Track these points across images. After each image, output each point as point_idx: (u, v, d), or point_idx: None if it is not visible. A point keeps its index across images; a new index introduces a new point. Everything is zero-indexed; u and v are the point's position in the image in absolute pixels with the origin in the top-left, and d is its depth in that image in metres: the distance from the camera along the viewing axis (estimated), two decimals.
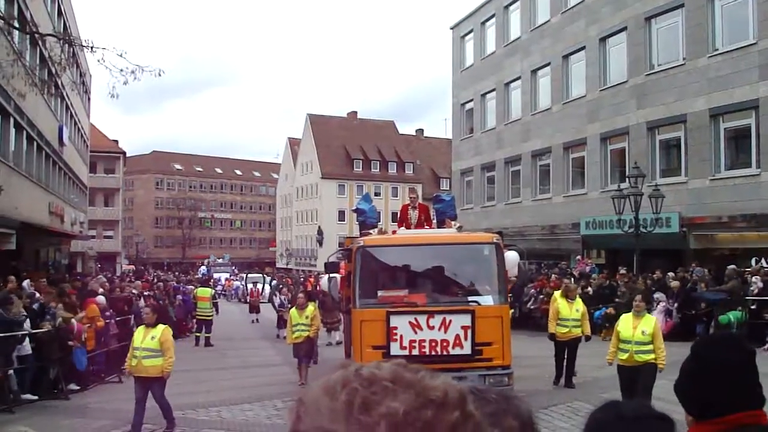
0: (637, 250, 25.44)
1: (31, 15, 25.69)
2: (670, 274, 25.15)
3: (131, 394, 15.95)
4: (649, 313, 22.16)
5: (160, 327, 12.50)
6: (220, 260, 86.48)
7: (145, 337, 12.16)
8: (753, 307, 21.13)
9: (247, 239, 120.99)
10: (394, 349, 12.04)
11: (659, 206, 24.25)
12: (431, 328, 12.03)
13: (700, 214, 26.93)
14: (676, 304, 23.06)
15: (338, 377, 0.98)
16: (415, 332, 12.07)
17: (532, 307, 26.56)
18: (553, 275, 28.71)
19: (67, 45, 23.03)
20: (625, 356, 11.60)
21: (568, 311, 15.51)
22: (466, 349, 11.99)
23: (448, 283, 13.75)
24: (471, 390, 1.02)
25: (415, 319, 12.09)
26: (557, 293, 16.63)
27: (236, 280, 62.03)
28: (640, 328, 11.60)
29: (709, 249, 28.05)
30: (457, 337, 12.01)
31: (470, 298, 12.86)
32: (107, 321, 18.82)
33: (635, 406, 2.33)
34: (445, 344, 12.00)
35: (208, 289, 27.93)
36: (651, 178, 27.40)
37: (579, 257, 32.62)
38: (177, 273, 58.77)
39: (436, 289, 13.36)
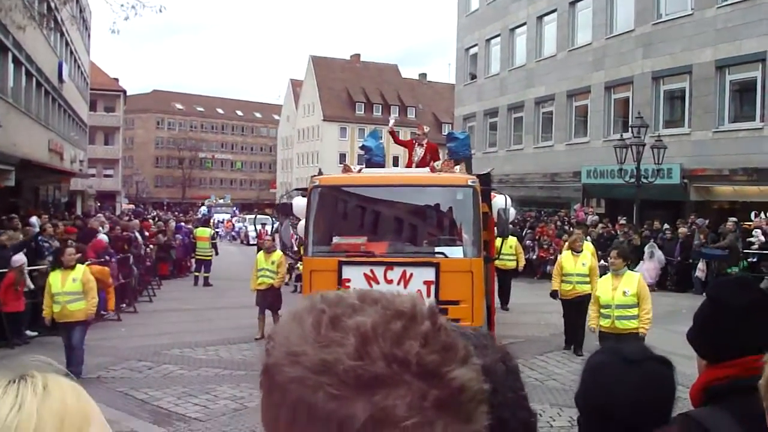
0: (637, 200, 25.40)
1: None
2: (666, 226, 25.25)
3: (131, 332, 16.23)
4: (637, 263, 22.48)
5: (80, 267, 11.78)
6: (221, 201, 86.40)
7: (65, 281, 11.52)
8: (753, 260, 21.30)
9: (248, 180, 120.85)
10: None
11: (661, 157, 24.13)
12: (389, 281, 10.55)
13: (702, 166, 26.85)
14: (678, 257, 23.33)
15: (304, 305, 0.97)
16: (371, 286, 10.10)
17: (532, 256, 26.57)
18: (552, 226, 28.67)
19: None
20: (606, 323, 10.29)
21: (572, 265, 13.85)
22: None
23: (414, 230, 12.28)
24: None
25: (371, 271, 10.67)
26: (566, 245, 15.56)
27: (238, 221, 61.99)
28: (621, 288, 10.15)
29: (709, 201, 28.05)
30: (419, 293, 10.06)
31: (437, 249, 11.21)
32: (109, 260, 18.87)
33: (636, 349, 2.36)
34: None
35: (207, 229, 28.04)
36: (654, 129, 27.28)
37: (577, 205, 32.61)
38: (177, 213, 58.83)
39: (399, 238, 11.95)
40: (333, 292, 0.98)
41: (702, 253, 22.46)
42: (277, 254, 15.83)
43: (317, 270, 11.11)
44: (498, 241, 14.18)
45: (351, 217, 12.71)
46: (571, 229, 21.69)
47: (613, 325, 10.13)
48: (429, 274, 10.59)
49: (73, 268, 11.61)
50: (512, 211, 18.88)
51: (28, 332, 14.75)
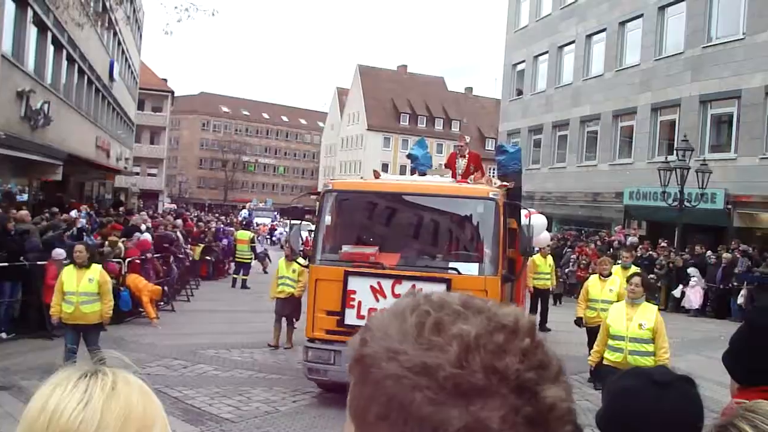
0: (679, 224, 25.13)
1: None
2: (709, 252, 24.96)
3: (166, 329, 16.37)
4: (677, 286, 22.18)
5: (96, 267, 11.07)
6: (263, 204, 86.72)
7: (80, 280, 10.75)
8: None
9: (290, 186, 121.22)
10: (349, 317, 10.08)
11: (705, 181, 23.88)
12: (397, 296, 8.75)
13: (747, 192, 26.44)
14: (721, 283, 23.02)
15: (407, 302, 0.99)
16: (377, 299, 9.92)
17: (569, 271, 26.34)
18: (592, 245, 28.43)
19: None
20: (617, 357, 9.28)
21: (599, 291, 12.88)
22: None
23: (430, 243, 11.66)
24: None
25: (378, 284, 10.04)
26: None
27: (279, 225, 62.12)
28: (637, 319, 9.19)
29: (753, 228, 27.63)
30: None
31: (451, 265, 10.50)
32: (149, 258, 19.10)
33: (662, 371, 2.37)
34: None
35: (248, 233, 28.26)
36: (699, 153, 26.95)
37: (618, 227, 32.36)
38: (218, 215, 59.26)
39: (413, 250, 11.23)
40: (436, 294, 0.99)
41: (750, 277, 22.12)
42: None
43: (322, 279, 10.54)
44: (538, 259, 13.54)
45: (364, 225, 12.12)
46: (611, 250, 21.48)
47: (625, 360, 9.04)
48: (439, 290, 9.43)
49: (88, 267, 10.92)
50: (546, 235, 18.14)
51: None
